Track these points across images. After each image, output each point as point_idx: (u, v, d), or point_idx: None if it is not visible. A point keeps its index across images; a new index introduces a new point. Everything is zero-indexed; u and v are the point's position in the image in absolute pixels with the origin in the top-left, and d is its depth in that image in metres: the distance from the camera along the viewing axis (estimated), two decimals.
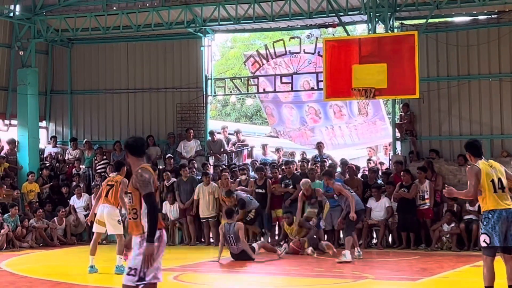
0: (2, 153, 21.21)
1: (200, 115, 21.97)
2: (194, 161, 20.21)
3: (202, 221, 18.49)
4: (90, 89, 23.31)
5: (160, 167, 20.91)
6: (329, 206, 16.82)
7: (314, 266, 14.19)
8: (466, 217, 16.67)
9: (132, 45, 22.82)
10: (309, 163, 19.02)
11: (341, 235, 17.57)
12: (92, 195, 19.14)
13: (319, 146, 20.25)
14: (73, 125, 23.46)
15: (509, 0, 17.75)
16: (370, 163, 20.89)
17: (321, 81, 19.02)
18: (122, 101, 22.94)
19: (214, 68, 23.99)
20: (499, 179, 8.97)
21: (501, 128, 18.89)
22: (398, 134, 19.47)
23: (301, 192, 16.74)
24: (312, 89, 21.32)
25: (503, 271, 9.08)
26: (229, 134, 22.12)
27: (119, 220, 13.24)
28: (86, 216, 18.86)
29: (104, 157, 21.21)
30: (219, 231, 15.69)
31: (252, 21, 20.30)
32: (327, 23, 20.64)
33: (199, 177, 19.10)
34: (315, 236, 16.32)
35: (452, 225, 16.60)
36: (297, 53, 20.98)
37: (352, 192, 15.27)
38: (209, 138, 21.29)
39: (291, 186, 17.79)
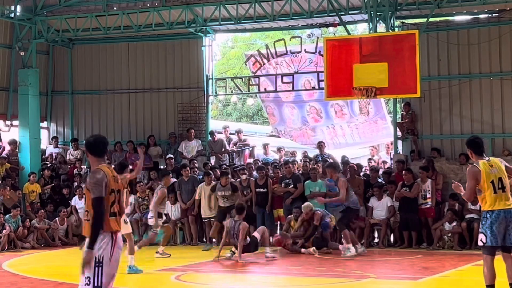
0: (4, 154, 21.21)
1: (201, 115, 21.97)
2: (195, 161, 20.21)
3: (203, 221, 18.49)
4: (91, 89, 23.32)
5: (161, 167, 20.93)
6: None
7: (316, 265, 14.18)
8: (468, 216, 16.65)
9: (133, 45, 22.83)
10: (311, 163, 19.02)
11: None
12: None
13: (320, 145, 20.23)
14: (74, 125, 23.47)
15: None
16: (371, 162, 20.90)
17: (322, 80, 19.02)
18: (123, 101, 22.95)
19: (215, 68, 24.00)
20: (499, 179, 8.93)
21: (503, 127, 18.88)
22: (399, 133, 19.47)
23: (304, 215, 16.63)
24: (313, 88, 21.32)
25: (504, 269, 9.09)
26: (231, 134, 22.11)
27: (125, 219, 13.25)
28: None
29: (106, 157, 21.17)
30: (224, 226, 15.68)
31: (253, 20, 20.30)
32: (328, 23, 20.64)
33: (201, 177, 19.11)
34: (317, 236, 16.31)
35: (454, 224, 16.59)
36: (298, 52, 20.98)
37: (352, 193, 15.42)
38: (210, 138, 21.29)
39: (292, 186, 17.79)
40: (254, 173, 18.67)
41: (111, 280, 6.75)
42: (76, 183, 20.43)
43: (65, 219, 19.36)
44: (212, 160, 21.24)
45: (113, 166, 18.25)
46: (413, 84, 17.26)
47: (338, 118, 23.05)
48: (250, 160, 20.84)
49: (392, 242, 17.75)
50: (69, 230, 19.42)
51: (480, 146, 9.17)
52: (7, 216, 18.09)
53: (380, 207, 17.51)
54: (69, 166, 21.78)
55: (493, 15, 19.12)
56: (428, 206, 17.14)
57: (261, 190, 17.95)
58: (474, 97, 19.18)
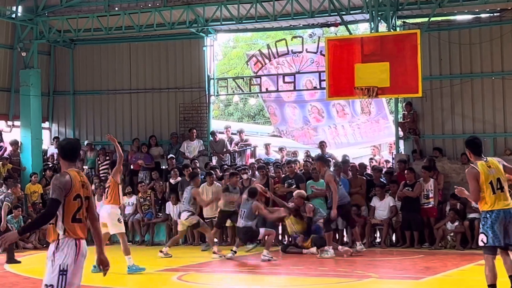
0: (5, 154, 21.22)
1: (203, 115, 21.97)
2: (197, 161, 20.20)
3: (205, 221, 18.46)
4: (93, 89, 23.33)
5: (163, 167, 20.94)
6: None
7: (318, 265, 14.17)
8: (470, 215, 16.64)
9: (134, 46, 22.84)
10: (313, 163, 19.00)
11: (344, 233, 17.61)
12: (96, 196, 19.14)
13: (322, 145, 20.22)
14: (76, 125, 23.49)
15: None
16: (372, 161, 20.89)
17: (324, 80, 19.01)
18: (125, 102, 22.95)
19: (216, 68, 24.01)
20: (498, 179, 8.97)
21: (504, 126, 18.87)
22: (401, 133, 19.47)
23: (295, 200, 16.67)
24: (315, 88, 21.30)
25: (504, 269, 9.10)
26: (232, 134, 22.11)
27: (119, 219, 13.27)
28: None
29: (107, 157, 21.23)
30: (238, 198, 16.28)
31: (254, 20, 20.30)
32: (329, 22, 20.65)
33: (202, 177, 19.08)
34: (316, 235, 16.31)
35: (456, 223, 16.58)
36: (300, 52, 20.99)
37: (340, 185, 15.39)
38: (211, 138, 21.29)
39: (294, 186, 17.78)
40: (256, 173, 18.67)
41: None
42: None
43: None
44: (214, 160, 21.24)
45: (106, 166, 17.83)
46: (414, 83, 17.25)
47: (340, 117, 23.05)
48: (252, 160, 20.84)
49: (394, 242, 17.74)
50: None
51: (479, 147, 9.22)
52: (9, 216, 18.08)
53: (382, 207, 17.49)
54: None
55: (495, 14, 19.11)
56: (430, 205, 17.12)
57: None
58: (476, 97, 19.17)
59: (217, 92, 22.42)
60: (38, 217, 6.51)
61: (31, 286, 12.14)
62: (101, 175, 20.52)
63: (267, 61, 21.26)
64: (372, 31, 18.33)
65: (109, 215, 13.13)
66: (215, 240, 17.95)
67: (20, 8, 21.74)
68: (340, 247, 15.92)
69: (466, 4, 18.37)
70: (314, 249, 15.83)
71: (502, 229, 8.86)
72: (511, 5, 18.50)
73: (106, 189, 13.39)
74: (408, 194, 17.09)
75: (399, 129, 19.43)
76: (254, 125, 36.31)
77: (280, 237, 18.07)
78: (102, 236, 13.44)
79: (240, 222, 15.28)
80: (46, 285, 6.46)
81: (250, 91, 22.65)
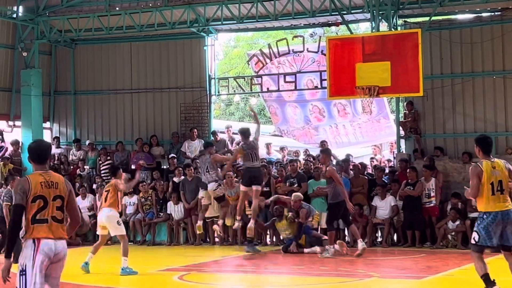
0: (6, 154, 21.23)
1: (204, 115, 21.97)
2: (198, 161, 20.17)
3: (207, 220, 18.46)
4: (94, 89, 23.32)
5: (164, 167, 20.94)
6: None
7: (319, 264, 14.16)
8: (471, 214, 16.61)
9: (135, 45, 22.83)
10: (314, 162, 18.99)
11: (346, 232, 17.59)
12: (96, 196, 19.17)
13: (323, 145, 20.20)
14: (77, 125, 23.48)
15: None
16: (373, 161, 20.87)
17: (325, 79, 18.99)
18: (126, 102, 22.94)
19: (217, 67, 23.98)
20: (499, 181, 9.00)
21: (506, 125, 18.84)
22: (402, 132, 19.45)
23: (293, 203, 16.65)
24: (316, 87, 21.30)
25: (506, 267, 9.12)
26: (233, 133, 22.09)
27: (118, 221, 13.24)
28: (90, 216, 18.90)
29: (108, 157, 21.21)
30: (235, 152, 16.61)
31: (255, 20, 20.27)
32: (330, 22, 20.63)
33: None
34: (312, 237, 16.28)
35: (457, 222, 16.57)
36: (301, 52, 20.97)
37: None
38: (212, 138, 21.28)
39: (296, 185, 17.78)
40: None
41: None
42: (78, 184, 20.41)
43: (68, 219, 19.30)
44: None
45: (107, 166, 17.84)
46: (416, 83, 17.23)
47: (341, 117, 23.03)
48: None
49: (395, 241, 17.73)
50: None
51: (489, 146, 9.28)
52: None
53: (384, 206, 17.47)
54: (71, 167, 21.77)
55: (496, 13, 19.08)
56: (432, 205, 17.11)
57: (264, 189, 17.91)
58: (477, 96, 19.14)
59: (218, 92, 22.40)
60: (8, 231, 6.48)
61: None
62: (103, 175, 20.51)
63: (268, 60, 21.24)
64: (373, 30, 18.32)
65: (107, 218, 13.11)
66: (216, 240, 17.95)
67: (21, 8, 21.74)
68: (334, 245, 15.98)
69: (467, 3, 18.37)
70: (316, 248, 15.74)
71: (498, 230, 8.90)
72: None
73: (105, 192, 13.33)
74: (410, 193, 17.08)
75: (400, 128, 19.41)
76: (255, 125, 36.18)
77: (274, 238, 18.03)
78: (100, 238, 13.55)
79: (255, 164, 15.69)
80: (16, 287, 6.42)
81: (251, 90, 22.62)
